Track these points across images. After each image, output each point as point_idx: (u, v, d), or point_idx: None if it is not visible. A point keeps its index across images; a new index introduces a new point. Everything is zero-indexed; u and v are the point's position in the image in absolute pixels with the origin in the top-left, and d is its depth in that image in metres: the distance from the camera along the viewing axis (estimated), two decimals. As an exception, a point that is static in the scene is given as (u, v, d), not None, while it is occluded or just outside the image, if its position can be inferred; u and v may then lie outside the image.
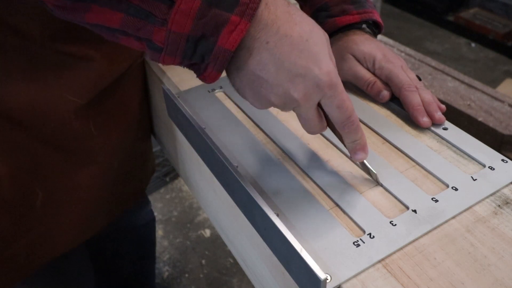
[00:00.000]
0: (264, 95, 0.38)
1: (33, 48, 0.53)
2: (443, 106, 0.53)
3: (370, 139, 0.52)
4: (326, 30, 0.61)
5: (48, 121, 0.57)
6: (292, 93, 0.37)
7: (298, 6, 0.70)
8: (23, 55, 0.52)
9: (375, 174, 0.45)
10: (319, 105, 0.39)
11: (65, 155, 0.61)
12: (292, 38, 0.36)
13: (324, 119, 0.40)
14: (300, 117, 0.40)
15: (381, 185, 0.46)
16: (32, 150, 0.58)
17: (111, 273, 1.06)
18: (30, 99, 0.55)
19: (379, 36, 0.64)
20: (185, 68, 0.39)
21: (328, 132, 0.52)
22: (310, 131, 0.41)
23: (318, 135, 0.52)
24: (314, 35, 0.37)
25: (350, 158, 0.47)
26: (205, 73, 0.38)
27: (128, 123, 0.70)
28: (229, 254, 1.40)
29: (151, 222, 1.07)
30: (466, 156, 0.49)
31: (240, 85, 0.39)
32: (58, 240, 0.66)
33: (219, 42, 0.35)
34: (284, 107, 0.39)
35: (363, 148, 0.42)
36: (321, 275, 0.34)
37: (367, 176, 0.46)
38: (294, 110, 0.39)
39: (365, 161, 0.44)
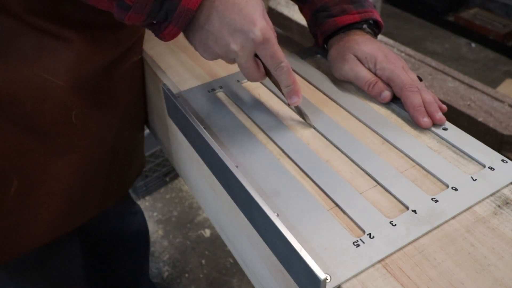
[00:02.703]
0: (210, 46, 0.46)
1: (11, 23, 0.52)
2: (444, 106, 0.53)
3: (370, 139, 0.52)
4: (326, 30, 0.62)
5: (24, 101, 0.56)
6: (232, 45, 0.45)
7: (297, 7, 0.70)
8: (1, 30, 0.52)
9: (308, 117, 0.53)
10: (257, 56, 0.47)
11: (43, 141, 0.60)
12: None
13: (261, 68, 0.49)
14: (240, 67, 0.48)
15: (314, 127, 0.53)
16: (6, 133, 0.57)
17: (105, 273, 1.06)
18: (6, 76, 0.54)
19: (379, 36, 0.64)
20: (142, 26, 0.45)
21: (328, 132, 0.52)
22: (250, 78, 0.49)
23: (318, 135, 0.52)
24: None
25: (288, 104, 0.56)
26: (165, 31, 0.44)
27: (116, 118, 0.69)
28: (229, 254, 1.40)
29: (144, 231, 1.08)
30: (466, 156, 0.49)
31: (193, 39, 0.47)
32: (33, 231, 0.65)
33: (183, 2, 0.42)
34: (226, 58, 0.47)
35: (296, 93, 0.50)
36: (321, 275, 0.34)
37: (366, 176, 0.47)
38: (235, 61, 0.47)
39: (299, 106, 0.53)
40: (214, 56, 0.47)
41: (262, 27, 0.44)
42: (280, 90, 0.51)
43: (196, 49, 0.48)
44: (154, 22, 0.44)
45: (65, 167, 0.64)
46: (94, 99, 0.63)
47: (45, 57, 0.55)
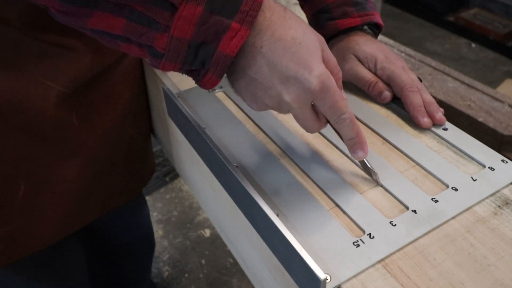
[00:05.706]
0: (259, 97, 0.39)
1: (12, 34, 0.52)
2: (442, 110, 0.53)
3: (370, 139, 0.52)
4: (327, 32, 0.62)
5: (27, 108, 0.56)
6: (284, 96, 0.38)
7: (297, 7, 0.69)
8: (2, 41, 0.52)
9: (376, 174, 0.45)
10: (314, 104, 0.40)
11: (47, 145, 0.60)
12: (285, 42, 0.37)
13: (322, 118, 0.41)
14: (296, 118, 0.41)
15: (382, 186, 0.46)
16: (12, 140, 0.57)
17: (106, 270, 1.06)
18: (8, 85, 0.54)
19: (379, 36, 0.64)
20: (183, 74, 0.40)
21: (327, 132, 0.52)
22: (309, 130, 0.42)
23: (318, 135, 0.52)
24: (307, 39, 0.38)
25: (351, 157, 0.48)
26: (205, 78, 0.39)
27: (116, 117, 0.69)
28: (229, 254, 1.40)
29: (151, 232, 1.08)
30: (466, 157, 0.49)
31: (238, 88, 0.40)
32: (42, 232, 0.65)
33: (220, 47, 0.36)
34: (279, 109, 0.40)
35: (361, 146, 0.42)
36: (321, 275, 0.34)
37: (367, 176, 0.46)
38: (290, 112, 0.40)
39: (365, 160, 0.45)
40: (264, 108, 0.41)
41: (319, 73, 0.37)
42: (342, 140, 0.44)
43: (242, 98, 0.41)
44: (193, 68, 0.39)
45: (70, 169, 0.64)
46: (92, 99, 0.63)
47: (47, 65, 0.56)
